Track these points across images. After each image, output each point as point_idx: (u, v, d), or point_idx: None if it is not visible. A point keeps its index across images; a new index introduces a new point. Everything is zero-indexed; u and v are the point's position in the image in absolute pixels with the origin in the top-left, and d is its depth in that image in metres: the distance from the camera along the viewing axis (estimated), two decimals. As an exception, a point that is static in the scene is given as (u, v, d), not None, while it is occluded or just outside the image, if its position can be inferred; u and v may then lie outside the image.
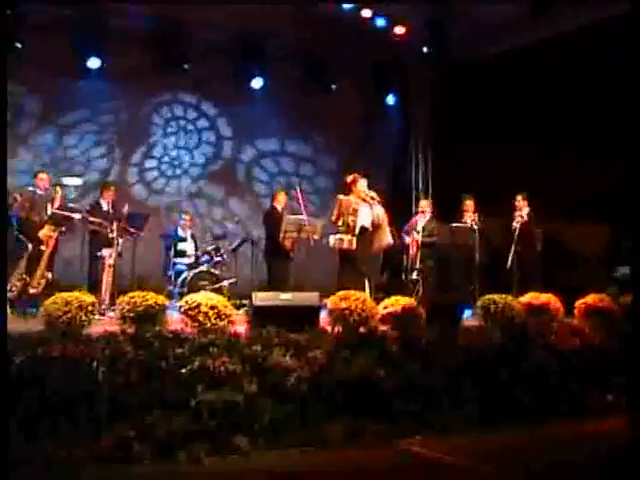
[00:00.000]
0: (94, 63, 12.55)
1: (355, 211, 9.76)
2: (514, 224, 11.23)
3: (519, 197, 11.43)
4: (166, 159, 13.98)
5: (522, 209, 11.35)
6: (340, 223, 9.76)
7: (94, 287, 9.37)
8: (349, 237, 9.67)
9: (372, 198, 9.88)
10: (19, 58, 11.16)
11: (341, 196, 9.96)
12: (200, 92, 14.19)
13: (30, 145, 12.70)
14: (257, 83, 13.75)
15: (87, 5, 11.82)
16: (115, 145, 13.52)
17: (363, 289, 9.06)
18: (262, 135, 14.72)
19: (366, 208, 9.85)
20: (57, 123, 13.04)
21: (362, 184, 10.00)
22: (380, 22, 13.07)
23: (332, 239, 9.80)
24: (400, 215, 11.67)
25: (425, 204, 11.97)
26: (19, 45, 11.35)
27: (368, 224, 9.80)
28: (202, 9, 12.05)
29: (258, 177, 14.72)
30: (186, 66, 12.97)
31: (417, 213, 11.73)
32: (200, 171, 14.22)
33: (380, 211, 9.91)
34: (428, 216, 11.57)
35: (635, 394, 5.80)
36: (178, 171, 14.03)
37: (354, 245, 9.66)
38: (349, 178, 10.07)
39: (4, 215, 8.49)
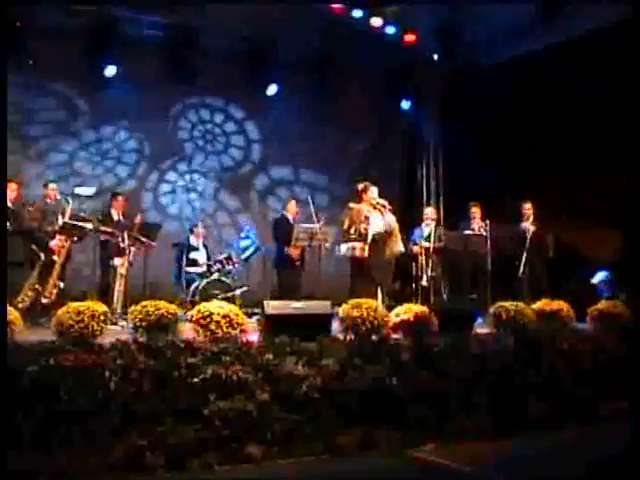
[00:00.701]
0: (111, 71, 12.53)
1: (367, 219, 9.79)
2: (524, 230, 11.21)
3: (526, 205, 11.42)
4: (184, 170, 14.05)
5: (529, 217, 11.34)
6: (352, 231, 9.78)
7: (104, 296, 9.38)
8: (361, 245, 9.69)
9: (383, 206, 9.89)
10: (35, 67, 11.28)
11: (352, 204, 9.98)
12: (215, 100, 14.26)
13: (47, 155, 12.75)
14: (271, 90, 13.73)
15: (98, 14, 11.87)
16: (134, 154, 13.59)
17: (375, 297, 9.06)
18: (274, 145, 14.75)
19: (378, 216, 9.87)
20: (74, 132, 13.11)
21: (373, 192, 10.02)
22: (391, 29, 13.06)
23: (344, 247, 9.82)
24: (411, 222, 11.63)
25: (430, 211, 11.92)
26: (30, 62, 11.37)
27: (380, 232, 9.82)
28: (213, 16, 12.08)
29: (272, 185, 14.73)
30: (197, 76, 12.97)
31: (422, 221, 11.64)
32: (214, 179, 14.25)
33: (391, 219, 9.93)
34: (433, 223, 11.50)
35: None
36: (194, 180, 14.08)
37: (366, 253, 9.67)
38: (360, 186, 10.09)
39: (4, 215, 8.52)
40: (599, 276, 11.35)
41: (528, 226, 11.27)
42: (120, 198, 11.04)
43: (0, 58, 7.02)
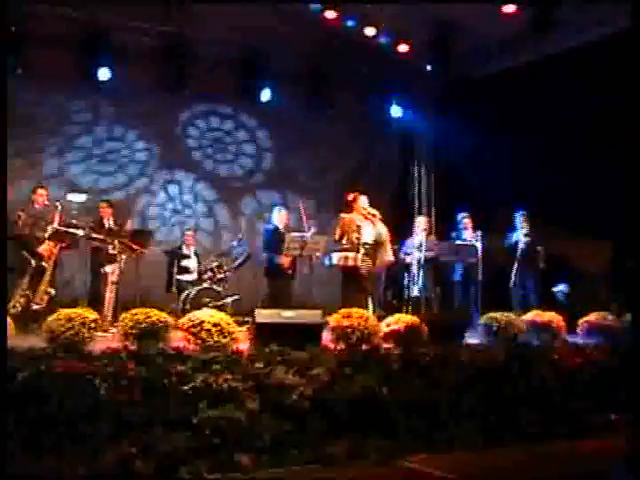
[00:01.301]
0: (104, 75, 12.43)
1: (359, 228, 9.82)
2: (516, 241, 11.25)
3: (520, 215, 11.46)
4: (178, 177, 14.07)
5: (523, 227, 11.37)
6: (344, 241, 9.81)
7: (95, 303, 9.36)
8: (353, 255, 9.72)
9: (374, 215, 9.92)
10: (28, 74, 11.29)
11: (343, 214, 10.01)
12: (207, 107, 14.31)
13: (41, 160, 12.76)
14: (265, 97, 13.68)
15: (95, 22, 11.89)
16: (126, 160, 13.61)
17: (366, 307, 9.09)
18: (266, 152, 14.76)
19: (368, 225, 9.90)
20: (69, 137, 13.13)
21: (363, 201, 10.05)
22: (384, 40, 13.09)
23: (335, 257, 9.83)
24: (402, 232, 11.64)
25: (421, 221, 11.86)
26: (20, 71, 11.33)
27: (371, 241, 9.85)
28: (205, 25, 12.12)
29: (262, 192, 14.73)
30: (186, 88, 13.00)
31: (413, 231, 11.60)
32: (208, 187, 14.26)
33: (382, 229, 9.96)
34: (424, 233, 11.46)
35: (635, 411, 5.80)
36: (187, 188, 14.11)
37: (359, 262, 9.70)
38: (350, 196, 10.12)
39: (4, 216, 8.52)
40: (559, 287, 11.45)
41: (520, 237, 11.29)
42: (107, 205, 11.00)
43: (0, 58, 7.03)
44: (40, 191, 10.11)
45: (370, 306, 9.49)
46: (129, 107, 13.23)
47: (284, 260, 10.91)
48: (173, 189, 13.91)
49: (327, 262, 10.05)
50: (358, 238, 9.77)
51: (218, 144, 14.41)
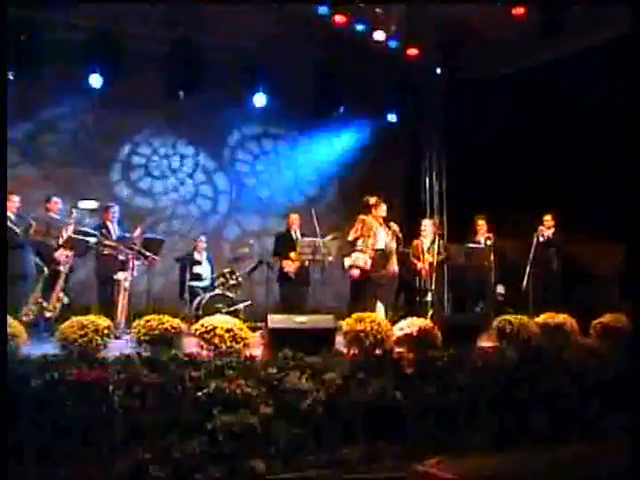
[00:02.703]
0: (96, 81, 12.15)
1: (375, 234, 9.84)
2: (531, 243, 11.15)
3: (548, 217, 11.39)
4: (184, 182, 14.07)
5: (550, 228, 11.27)
6: (360, 243, 9.80)
7: (106, 310, 9.37)
8: (366, 257, 9.73)
9: (394, 231, 9.98)
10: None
11: (363, 216, 10.00)
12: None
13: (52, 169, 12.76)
14: (260, 101, 13.55)
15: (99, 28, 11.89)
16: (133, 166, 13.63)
17: (374, 310, 9.10)
18: (277, 156, 14.78)
19: (383, 232, 9.93)
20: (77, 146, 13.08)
21: (383, 209, 10.07)
22: (392, 44, 13.07)
23: (347, 260, 9.85)
24: (413, 235, 11.60)
25: (428, 224, 11.68)
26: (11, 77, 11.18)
27: (384, 247, 9.87)
28: (205, 27, 12.11)
29: (274, 197, 14.73)
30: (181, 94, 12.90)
31: (420, 234, 11.49)
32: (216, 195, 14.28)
33: (393, 241, 10.00)
34: (433, 237, 11.32)
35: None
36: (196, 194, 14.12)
37: (369, 265, 9.72)
38: (372, 200, 10.09)
39: (4, 217, 8.55)
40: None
41: (541, 239, 11.13)
42: (111, 210, 10.85)
43: (0, 58, 7.05)
44: (54, 199, 10.16)
45: (382, 310, 9.49)
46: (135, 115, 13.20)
47: (289, 265, 10.93)
48: (187, 195, 13.93)
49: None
50: (373, 243, 9.80)
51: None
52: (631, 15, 7.28)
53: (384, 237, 9.93)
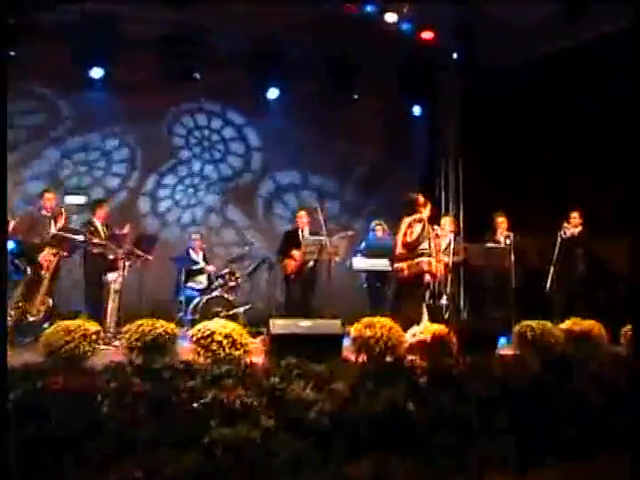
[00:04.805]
0: (97, 73, 12.52)
1: (437, 236, 9.88)
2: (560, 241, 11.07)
3: (575, 214, 11.35)
4: (182, 176, 14.07)
5: (577, 226, 11.23)
6: (426, 245, 9.73)
7: (95, 314, 9.34)
8: (428, 260, 9.67)
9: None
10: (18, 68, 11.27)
11: (424, 216, 9.95)
12: (215, 105, 14.31)
13: (29, 162, 12.74)
14: (273, 94, 13.76)
15: (94, 10, 11.85)
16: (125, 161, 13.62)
17: (421, 315, 9.12)
18: (284, 151, 14.77)
19: (450, 237, 10.03)
20: (58, 138, 13.11)
21: (429, 208, 10.04)
22: (406, 27, 13.02)
23: (401, 263, 9.82)
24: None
25: (448, 221, 11.79)
26: (12, 53, 11.19)
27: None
28: (216, 14, 12.09)
29: (278, 193, 14.76)
30: (197, 75, 12.95)
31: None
32: (214, 188, 14.27)
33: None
34: (451, 235, 11.43)
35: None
36: (192, 190, 14.10)
37: (437, 269, 9.72)
38: (420, 199, 10.03)
39: (4, 217, 8.53)
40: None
41: (567, 237, 11.08)
42: (105, 206, 10.92)
43: (0, 57, 7.06)
44: (47, 195, 10.07)
45: (426, 315, 9.49)
46: (124, 105, 13.18)
47: (290, 265, 10.95)
48: (178, 192, 13.91)
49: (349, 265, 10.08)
50: (437, 245, 9.82)
51: (228, 142, 14.43)
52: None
53: (450, 240, 10.04)
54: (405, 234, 9.80)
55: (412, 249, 9.77)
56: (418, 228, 9.80)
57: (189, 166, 14.04)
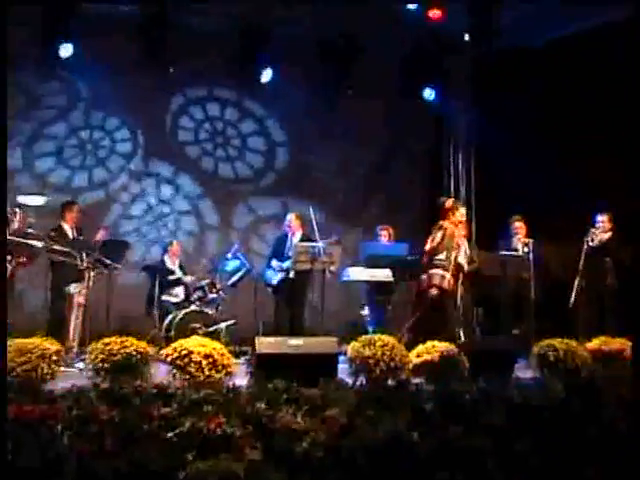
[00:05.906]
0: (66, 51, 12.36)
1: (459, 246, 9.87)
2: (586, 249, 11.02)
3: (604, 218, 11.32)
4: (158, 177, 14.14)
5: (606, 232, 11.20)
6: (442, 256, 9.75)
7: (58, 331, 9.31)
8: (446, 274, 9.70)
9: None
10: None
11: (447, 223, 9.95)
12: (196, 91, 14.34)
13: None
14: (266, 77, 13.71)
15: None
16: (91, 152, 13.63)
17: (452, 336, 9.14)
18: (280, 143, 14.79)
19: (464, 244, 9.98)
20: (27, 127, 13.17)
21: (462, 213, 10.05)
22: (412, 5, 13.02)
23: (431, 274, 9.82)
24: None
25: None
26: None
27: (464, 263, 9.92)
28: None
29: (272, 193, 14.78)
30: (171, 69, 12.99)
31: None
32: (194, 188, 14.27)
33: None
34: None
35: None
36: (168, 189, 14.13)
37: (448, 284, 9.72)
38: (448, 202, 10.06)
39: (4, 217, 8.50)
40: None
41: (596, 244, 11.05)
42: (75, 208, 10.91)
43: (0, 57, 7.07)
44: None
45: (462, 336, 9.53)
46: (99, 89, 13.19)
47: (272, 274, 11.02)
48: (153, 192, 13.92)
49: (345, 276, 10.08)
50: (456, 257, 9.81)
51: (218, 137, 14.46)
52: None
53: (465, 251, 9.99)
54: (426, 242, 9.89)
55: (429, 259, 9.81)
56: (438, 236, 9.83)
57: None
